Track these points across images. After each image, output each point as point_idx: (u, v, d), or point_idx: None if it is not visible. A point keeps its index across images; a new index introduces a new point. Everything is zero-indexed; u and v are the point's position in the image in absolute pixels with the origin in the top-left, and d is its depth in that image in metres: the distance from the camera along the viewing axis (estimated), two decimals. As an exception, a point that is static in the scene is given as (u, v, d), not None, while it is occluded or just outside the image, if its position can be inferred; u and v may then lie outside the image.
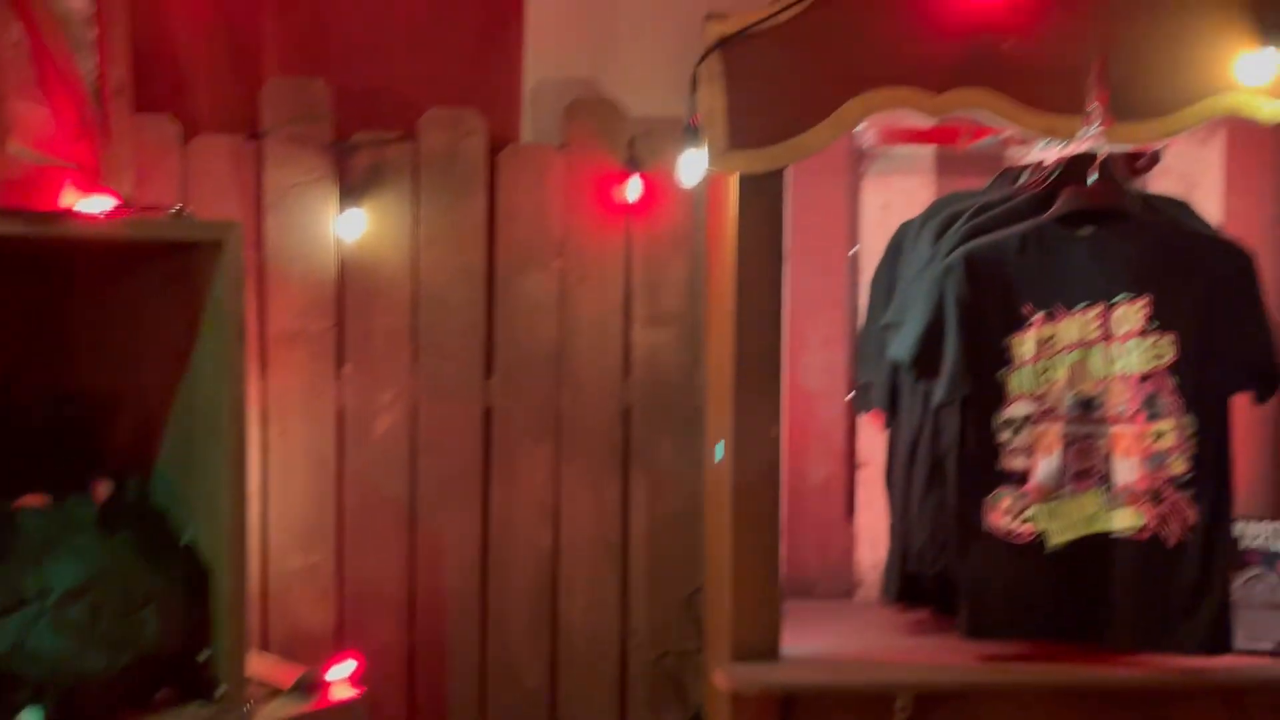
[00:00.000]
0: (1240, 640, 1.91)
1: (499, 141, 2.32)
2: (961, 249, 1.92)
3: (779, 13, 1.84)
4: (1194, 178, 2.30)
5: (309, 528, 2.25)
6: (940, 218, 2.04)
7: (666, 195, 2.32)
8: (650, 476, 2.34)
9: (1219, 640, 1.84)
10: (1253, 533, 2.00)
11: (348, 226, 2.23)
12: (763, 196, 1.89)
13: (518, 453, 2.33)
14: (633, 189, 2.29)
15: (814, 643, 1.99)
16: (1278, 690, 1.88)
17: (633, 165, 2.29)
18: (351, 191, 2.23)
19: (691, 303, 2.34)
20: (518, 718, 2.33)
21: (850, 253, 2.31)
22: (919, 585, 2.06)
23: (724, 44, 1.84)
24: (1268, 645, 1.94)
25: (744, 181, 1.88)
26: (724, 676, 1.86)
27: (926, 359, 1.92)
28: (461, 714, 2.32)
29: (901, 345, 1.96)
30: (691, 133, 1.88)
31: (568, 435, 2.33)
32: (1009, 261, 1.91)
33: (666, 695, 2.35)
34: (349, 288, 2.26)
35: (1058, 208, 1.92)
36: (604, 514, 2.34)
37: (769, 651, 1.89)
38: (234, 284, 1.67)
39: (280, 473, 2.24)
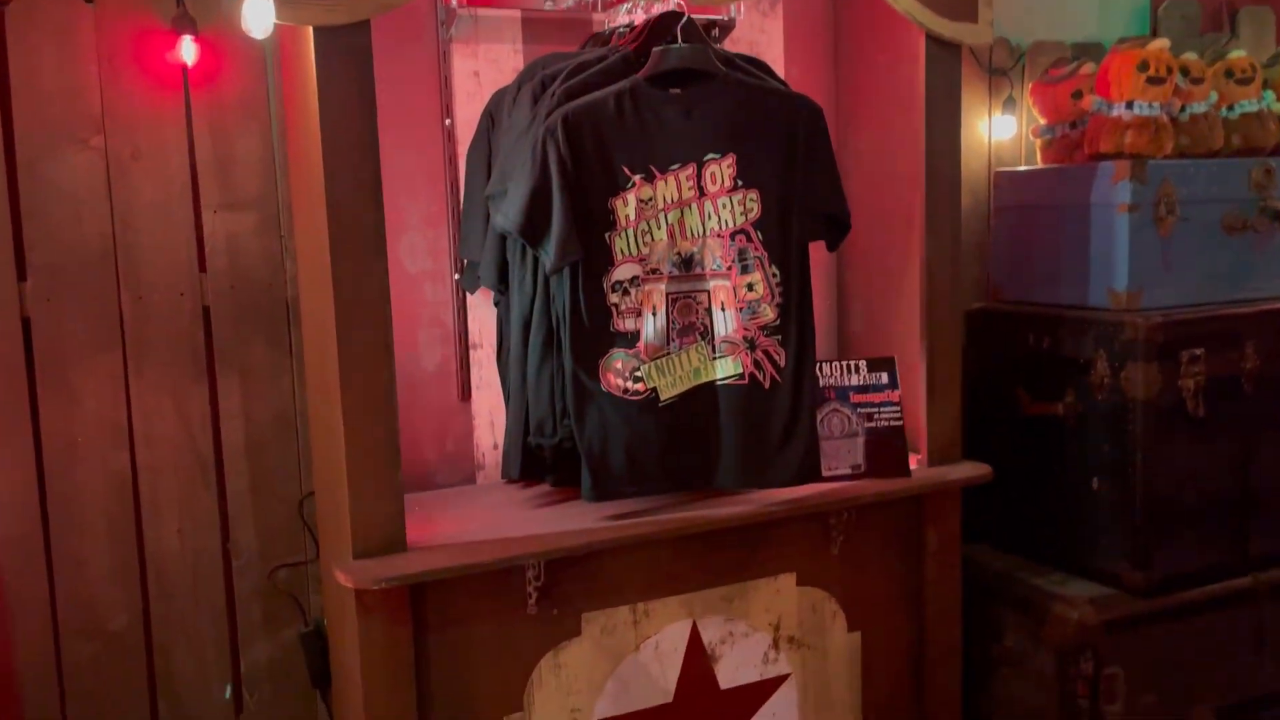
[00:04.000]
0: (824, 468, 2.12)
1: (1, -9, 1.90)
2: (560, 111, 1.88)
3: None
4: (760, 47, 2.43)
5: None
6: (537, 79, 1.97)
7: (231, 59, 2.04)
8: (243, 380, 2.11)
9: (810, 470, 2.02)
10: (827, 372, 2.21)
11: None
12: (348, 54, 1.70)
13: (73, 368, 1.98)
14: (186, 51, 1.98)
15: (441, 531, 1.92)
16: (854, 506, 2.11)
17: (183, 24, 1.97)
18: None
19: (272, 181, 2.09)
20: (104, 665, 2.04)
21: (445, 124, 2.18)
22: (540, 459, 2.05)
23: (284, -128, 1.60)
24: (846, 470, 2.16)
25: (322, 36, 1.68)
26: (346, 574, 1.73)
27: (534, 225, 1.87)
28: (34, 674, 1.99)
29: (508, 213, 1.89)
30: (255, -24, 1.64)
31: (135, 342, 2.02)
32: (607, 123, 1.89)
33: (282, 612, 2.17)
34: None
35: (649, 68, 1.93)
36: (190, 427, 2.07)
37: (394, 545, 1.79)
38: None
39: None
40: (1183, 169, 2.34)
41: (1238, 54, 2.51)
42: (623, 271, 1.92)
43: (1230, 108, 2.48)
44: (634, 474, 1.94)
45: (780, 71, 2.44)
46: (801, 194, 1.96)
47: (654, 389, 1.95)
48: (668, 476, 1.97)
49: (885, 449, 2.18)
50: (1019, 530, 2.57)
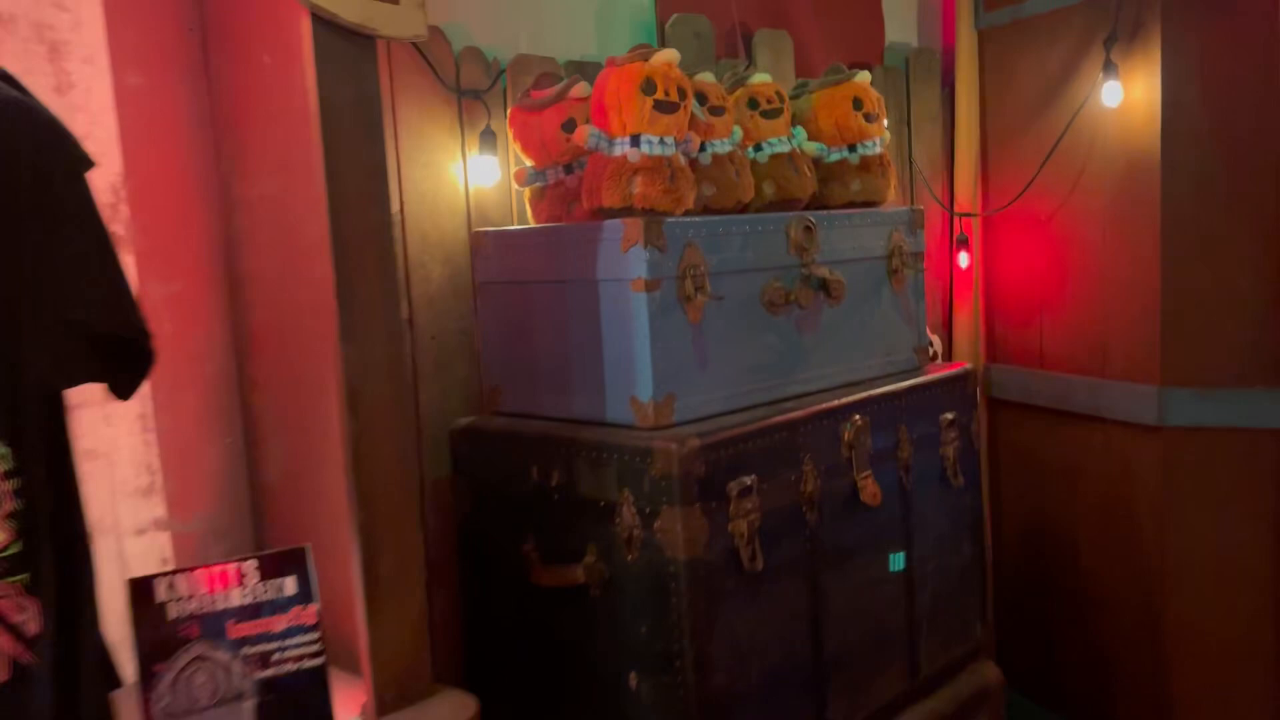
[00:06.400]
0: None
1: None
2: None
3: None
4: (58, 34, 1.45)
5: None
6: None
7: None
8: None
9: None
10: (182, 590, 1.27)
11: None
12: None
13: None
14: None
15: None
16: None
17: None
18: None
19: None
20: None
21: None
22: None
23: None
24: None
25: None
26: None
27: None
28: None
29: None
30: None
31: None
32: None
33: None
34: None
35: None
36: None
37: None
38: None
39: None
40: (711, 229, 1.72)
41: (761, 79, 1.95)
42: None
43: (758, 147, 1.92)
44: None
45: (104, 79, 1.48)
46: (39, 299, 1.00)
47: None
48: None
49: (297, 714, 1.28)
50: (541, 748, 1.79)
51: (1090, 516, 2.60)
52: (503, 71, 2.02)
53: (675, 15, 2.32)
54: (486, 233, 1.89)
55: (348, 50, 1.31)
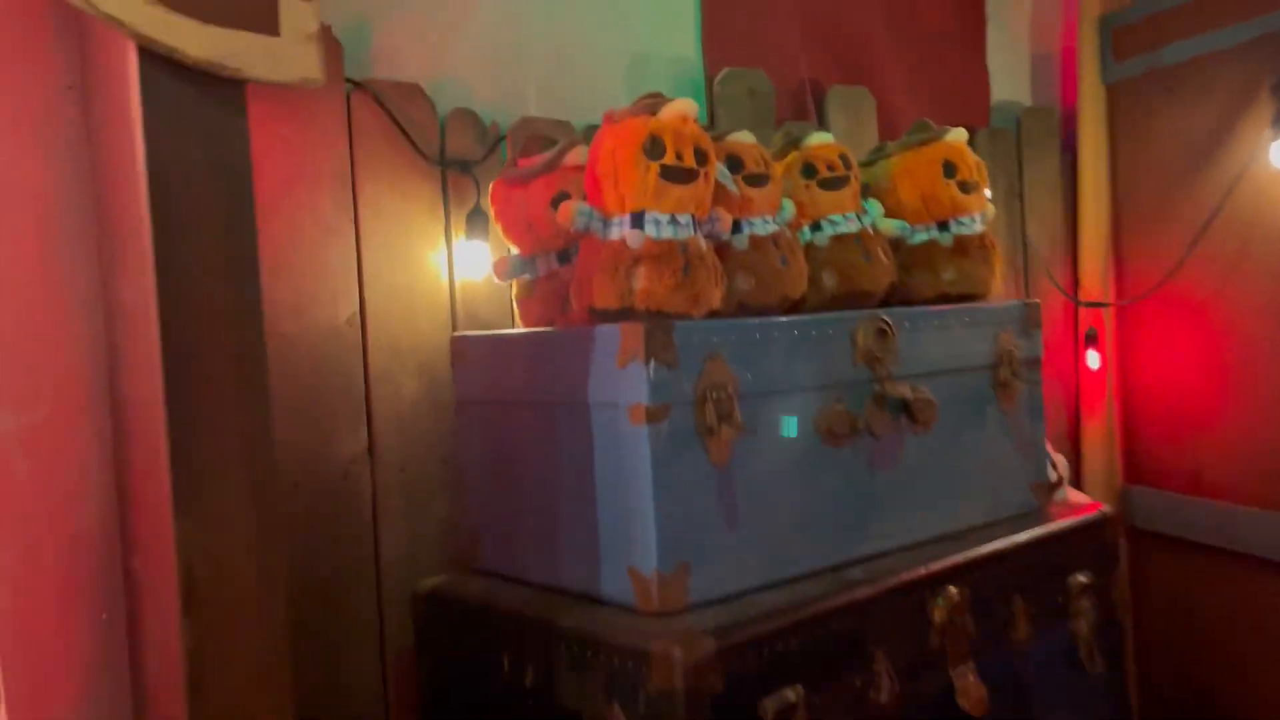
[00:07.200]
0: None
1: None
2: None
3: None
4: None
5: None
6: None
7: None
8: None
9: None
10: None
11: None
12: None
13: None
14: None
15: None
16: None
17: None
18: None
19: None
20: None
21: None
22: None
23: None
24: None
25: None
26: None
27: None
28: None
29: None
30: None
31: None
32: None
33: None
34: None
35: None
36: None
37: None
38: None
39: None
40: (744, 335, 1.26)
41: (820, 139, 1.51)
42: None
43: (816, 226, 1.47)
44: None
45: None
46: None
47: None
48: None
49: None
50: None
51: (1270, 689, 2.01)
52: (502, 138, 1.63)
53: (726, 70, 1.90)
54: (467, 338, 1.48)
55: (195, 99, 0.93)
